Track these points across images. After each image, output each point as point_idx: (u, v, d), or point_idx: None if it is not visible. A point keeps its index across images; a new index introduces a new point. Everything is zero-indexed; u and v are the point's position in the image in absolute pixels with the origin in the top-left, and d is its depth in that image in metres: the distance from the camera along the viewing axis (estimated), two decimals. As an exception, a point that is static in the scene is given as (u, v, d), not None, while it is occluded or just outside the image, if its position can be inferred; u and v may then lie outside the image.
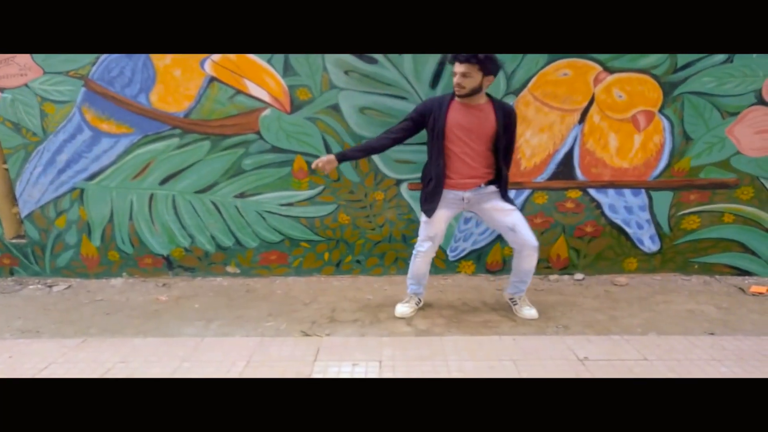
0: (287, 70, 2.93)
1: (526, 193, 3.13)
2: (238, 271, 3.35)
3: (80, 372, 2.11)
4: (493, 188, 2.48)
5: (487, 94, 2.39)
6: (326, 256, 3.31)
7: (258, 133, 3.05)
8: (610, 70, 2.89)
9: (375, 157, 3.07)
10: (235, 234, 3.26)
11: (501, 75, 2.87)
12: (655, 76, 2.89)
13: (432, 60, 2.88)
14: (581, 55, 2.86)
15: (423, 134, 2.51)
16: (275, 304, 2.89)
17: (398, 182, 3.13)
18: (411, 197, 3.15)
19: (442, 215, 2.50)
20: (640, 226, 3.18)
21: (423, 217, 2.54)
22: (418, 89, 2.94)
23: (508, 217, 2.47)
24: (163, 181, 3.15)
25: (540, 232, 3.19)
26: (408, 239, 3.23)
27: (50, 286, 3.25)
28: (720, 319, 2.60)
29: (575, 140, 3.02)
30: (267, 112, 3.01)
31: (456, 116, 2.35)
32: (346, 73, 2.92)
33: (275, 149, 3.07)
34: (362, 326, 2.57)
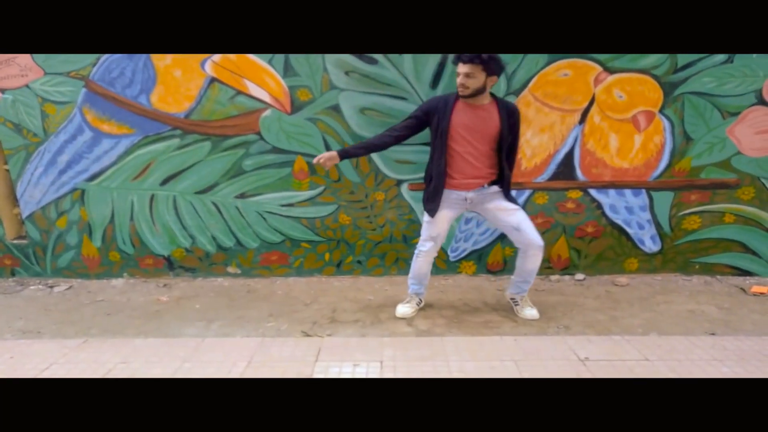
0: (287, 71, 2.93)
1: (527, 193, 3.13)
2: (239, 271, 3.35)
3: (81, 372, 2.11)
4: (496, 188, 2.48)
5: (491, 94, 2.39)
6: (327, 256, 3.31)
7: (258, 133, 3.05)
8: (610, 71, 2.89)
9: (375, 158, 3.07)
10: (235, 234, 3.26)
11: (501, 75, 2.86)
12: (655, 77, 2.89)
13: (432, 60, 2.88)
14: (581, 55, 2.86)
15: (424, 134, 2.52)
16: (276, 305, 2.89)
17: (399, 182, 3.13)
18: (412, 198, 3.15)
19: (445, 215, 2.50)
20: (640, 227, 3.18)
21: (426, 217, 2.54)
22: (418, 90, 2.94)
23: (512, 217, 2.46)
24: (164, 182, 3.15)
25: (541, 233, 3.15)
26: (409, 239, 3.24)
27: (51, 287, 3.25)
28: (721, 320, 2.60)
29: (576, 140, 3.02)
30: (267, 112, 3.01)
31: (460, 116, 2.35)
32: (346, 73, 2.93)
33: (276, 150, 3.08)
34: (363, 327, 2.57)
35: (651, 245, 3.22)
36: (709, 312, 2.70)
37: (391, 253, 3.29)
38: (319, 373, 2.07)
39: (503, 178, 2.46)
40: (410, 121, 2.45)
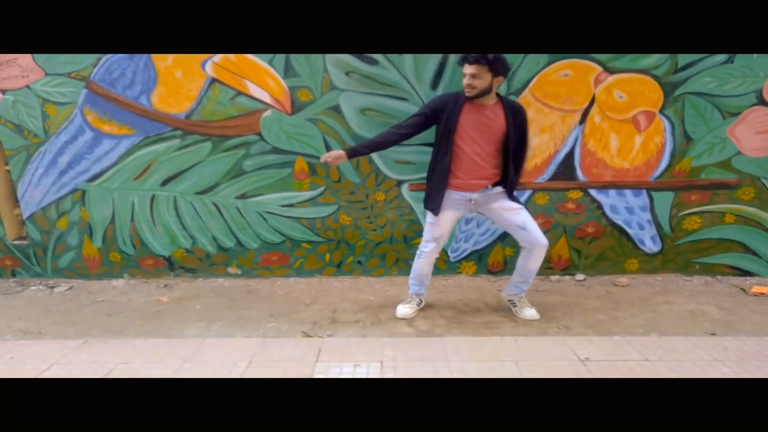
0: (288, 71, 2.93)
1: (527, 193, 3.13)
2: (240, 272, 3.35)
3: (82, 373, 2.11)
4: (499, 189, 2.48)
5: (497, 94, 2.39)
6: (327, 257, 3.31)
7: (259, 134, 3.05)
8: (610, 71, 2.89)
9: (376, 158, 3.07)
10: (236, 235, 3.27)
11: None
12: (655, 77, 2.89)
13: (433, 61, 2.88)
14: (582, 55, 2.86)
15: (424, 135, 2.51)
16: (276, 305, 2.89)
17: (399, 183, 3.13)
18: (412, 198, 3.15)
19: (449, 216, 2.50)
20: (641, 227, 3.18)
21: (429, 218, 2.53)
22: (419, 90, 2.94)
23: (517, 216, 2.46)
24: (165, 183, 3.16)
25: (541, 233, 3.19)
26: (409, 240, 3.24)
27: (52, 287, 3.26)
28: (721, 320, 2.60)
29: (576, 141, 3.02)
30: (268, 113, 3.01)
31: (468, 116, 2.34)
32: (346, 74, 2.93)
33: (276, 150, 3.08)
34: (363, 327, 2.57)
35: (651, 245, 3.22)
36: (710, 312, 2.70)
37: (392, 253, 3.29)
38: (319, 374, 2.07)
39: (507, 179, 2.46)
40: (417, 119, 2.43)
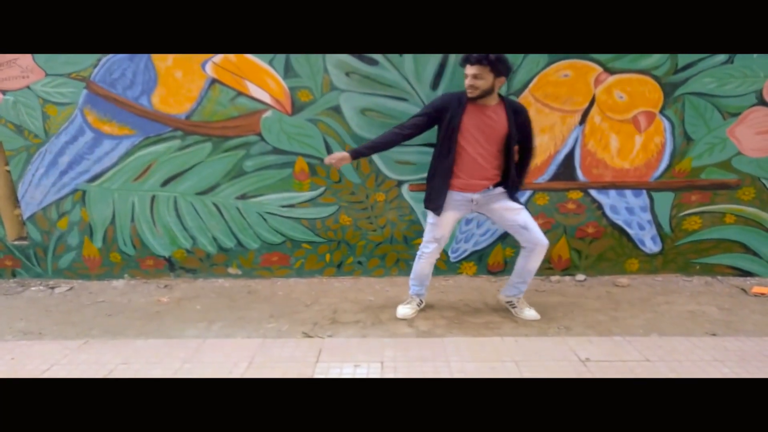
0: (288, 72, 2.93)
1: (528, 194, 3.13)
2: (240, 272, 3.35)
3: (82, 373, 2.11)
4: (500, 189, 2.48)
5: (499, 95, 2.39)
6: (327, 257, 3.31)
7: (259, 134, 3.05)
8: (610, 71, 2.89)
9: (376, 159, 3.07)
10: (236, 235, 3.27)
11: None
12: (655, 77, 2.89)
13: (433, 61, 2.88)
14: (582, 56, 2.86)
15: (424, 135, 2.50)
16: (277, 306, 2.89)
17: (399, 183, 3.13)
18: (412, 198, 3.15)
19: (450, 217, 2.50)
20: (641, 227, 3.18)
21: (430, 219, 2.53)
22: (419, 91, 2.94)
23: (519, 216, 2.47)
24: (165, 183, 3.16)
25: (541, 233, 3.19)
26: (409, 240, 3.24)
27: (52, 288, 3.26)
28: (722, 320, 2.60)
29: (576, 141, 3.02)
30: (268, 113, 3.02)
31: (471, 116, 2.34)
32: (347, 74, 2.93)
33: (276, 151, 3.08)
34: (364, 327, 2.57)
35: (652, 246, 3.22)
36: (710, 313, 2.70)
37: (392, 253, 3.29)
38: (319, 374, 2.07)
39: (508, 179, 2.46)
40: (420, 119, 2.42)
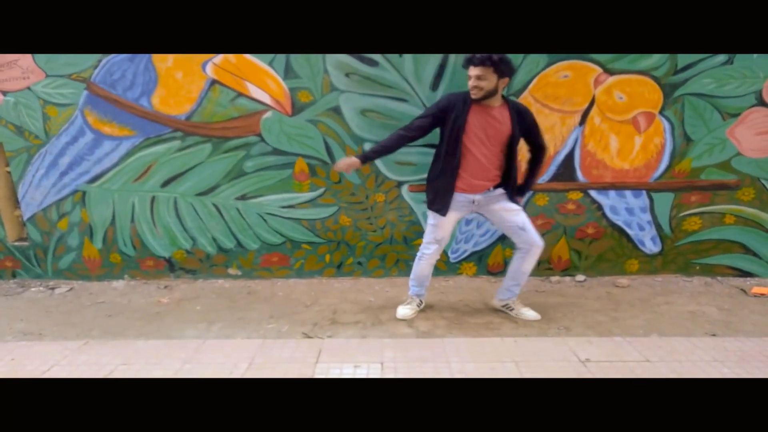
0: (288, 73, 2.94)
1: (528, 194, 3.12)
2: (240, 273, 3.35)
3: (82, 374, 2.11)
4: (500, 191, 2.49)
5: (503, 96, 2.40)
6: (327, 258, 3.31)
7: (259, 135, 3.05)
8: (610, 72, 2.89)
9: (376, 159, 3.07)
10: (236, 236, 3.27)
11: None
12: (655, 78, 2.90)
13: (432, 62, 2.89)
14: (581, 57, 2.86)
15: (426, 136, 2.51)
16: (277, 306, 2.89)
17: (399, 184, 3.14)
18: (412, 199, 3.15)
19: (452, 218, 2.50)
20: (641, 228, 3.18)
21: (431, 220, 2.53)
22: (418, 91, 2.95)
23: (517, 217, 2.48)
24: (165, 184, 3.16)
25: (541, 234, 3.17)
26: (409, 241, 3.24)
27: (52, 289, 3.26)
28: (721, 321, 2.60)
29: (576, 142, 3.03)
30: (268, 114, 3.02)
31: (476, 117, 2.35)
32: (347, 75, 2.93)
33: (276, 151, 3.08)
34: (364, 328, 2.57)
35: (651, 246, 3.22)
36: (710, 313, 2.70)
37: (392, 254, 3.29)
38: (319, 375, 2.07)
39: (509, 181, 2.47)
40: (425, 120, 2.42)
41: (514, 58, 2.86)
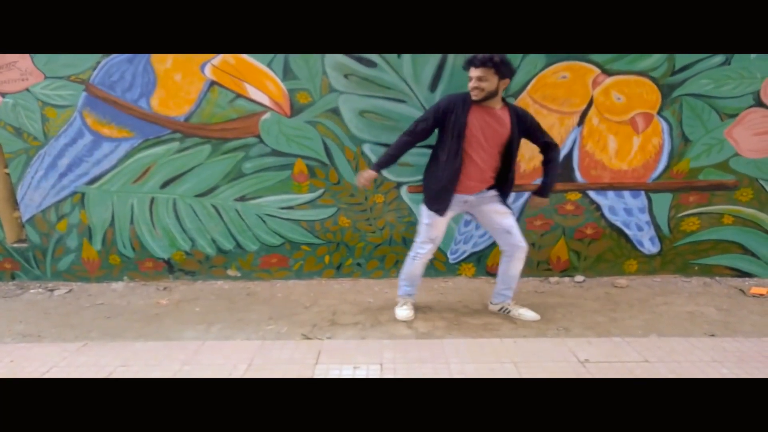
0: (287, 74, 2.94)
1: (526, 195, 3.13)
2: (239, 274, 3.35)
3: (81, 376, 2.11)
4: (493, 192, 2.50)
5: (503, 99, 2.41)
6: (327, 259, 3.31)
7: (258, 136, 3.06)
8: (608, 73, 2.90)
9: (375, 160, 3.07)
10: (235, 237, 3.27)
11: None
12: (653, 79, 2.90)
13: (431, 63, 2.89)
14: (579, 57, 2.87)
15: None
16: (276, 308, 2.89)
17: (398, 185, 3.14)
18: (411, 200, 3.16)
19: (448, 217, 2.51)
20: (639, 228, 3.18)
21: (426, 219, 2.53)
22: (417, 92, 2.95)
23: (505, 220, 2.50)
24: (164, 185, 3.16)
25: (540, 235, 3.20)
26: (408, 242, 3.23)
27: (51, 290, 3.25)
28: (720, 321, 2.60)
29: (574, 143, 3.03)
30: (267, 115, 3.02)
31: (476, 119, 2.35)
32: (345, 76, 2.94)
33: (275, 153, 3.08)
34: (363, 329, 2.57)
35: (650, 247, 3.22)
36: (709, 313, 2.71)
37: (391, 255, 3.29)
38: (319, 376, 2.07)
39: (504, 183, 2.48)
40: (426, 123, 2.43)
41: (513, 59, 2.86)
